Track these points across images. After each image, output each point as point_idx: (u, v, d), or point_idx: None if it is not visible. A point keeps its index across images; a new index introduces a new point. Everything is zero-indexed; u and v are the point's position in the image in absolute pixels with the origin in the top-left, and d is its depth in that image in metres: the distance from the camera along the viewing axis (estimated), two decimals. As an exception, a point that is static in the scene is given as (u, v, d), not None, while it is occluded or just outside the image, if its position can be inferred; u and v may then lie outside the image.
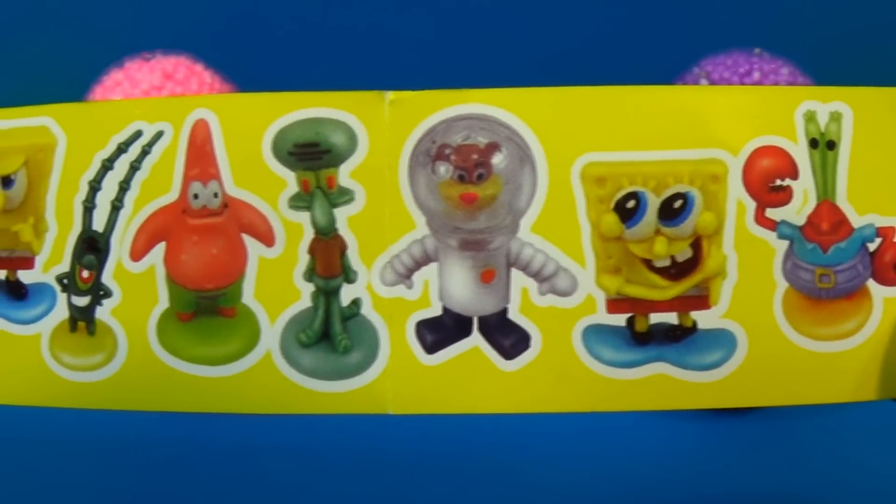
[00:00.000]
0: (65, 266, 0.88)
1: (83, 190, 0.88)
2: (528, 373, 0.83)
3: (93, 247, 0.88)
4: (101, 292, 0.88)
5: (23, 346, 0.90)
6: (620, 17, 0.95)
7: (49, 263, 0.89)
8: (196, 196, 0.86)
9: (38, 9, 1.09)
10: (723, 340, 0.82)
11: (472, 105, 0.82)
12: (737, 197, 0.81)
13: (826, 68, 0.79)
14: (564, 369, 0.83)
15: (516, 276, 0.83)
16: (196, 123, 0.86)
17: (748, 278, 0.82)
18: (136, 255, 0.87)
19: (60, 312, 0.89)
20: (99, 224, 0.87)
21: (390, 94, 0.83)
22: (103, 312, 0.88)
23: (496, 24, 1.00)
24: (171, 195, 0.86)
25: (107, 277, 0.88)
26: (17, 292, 0.90)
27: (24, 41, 1.08)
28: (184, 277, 0.87)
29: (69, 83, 0.90)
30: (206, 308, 0.87)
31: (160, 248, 0.87)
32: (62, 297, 0.89)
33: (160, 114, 0.86)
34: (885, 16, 0.89)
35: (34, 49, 1.08)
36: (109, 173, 0.87)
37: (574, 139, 0.82)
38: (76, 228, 0.88)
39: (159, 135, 0.86)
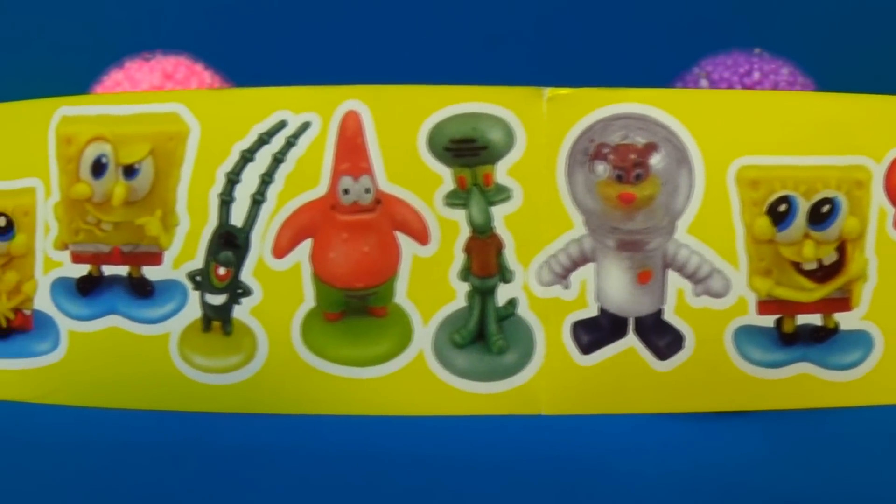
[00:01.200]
0: (198, 262, 0.67)
1: (220, 182, 0.67)
2: (681, 373, 0.67)
3: (230, 242, 0.67)
4: (240, 290, 0.67)
5: (148, 348, 0.68)
6: (621, 17, 0.81)
7: (180, 259, 0.68)
8: (346, 191, 0.66)
9: (39, 9, 0.90)
10: (862, 341, 0.67)
11: (630, 104, 0.66)
12: (878, 203, 0.67)
13: (826, 68, 0.66)
14: (715, 369, 0.67)
15: (672, 277, 0.66)
16: (346, 115, 0.66)
17: (887, 282, 0.67)
18: (280, 251, 0.67)
19: (192, 311, 0.68)
20: (237, 218, 0.67)
21: (548, 91, 0.66)
22: (242, 311, 0.67)
23: (496, 25, 0.84)
24: (319, 190, 0.66)
25: (246, 275, 0.67)
26: (143, 290, 0.68)
27: (25, 41, 0.89)
28: (332, 276, 0.67)
29: (69, 83, 0.71)
30: (356, 307, 0.67)
31: (306, 244, 0.67)
32: (194, 296, 0.68)
33: (307, 103, 0.66)
34: (886, 16, 0.77)
35: (34, 49, 0.89)
36: (250, 165, 0.66)
37: (730, 142, 0.66)
38: (211, 223, 0.67)
39: (306, 125, 0.66)
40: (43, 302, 0.70)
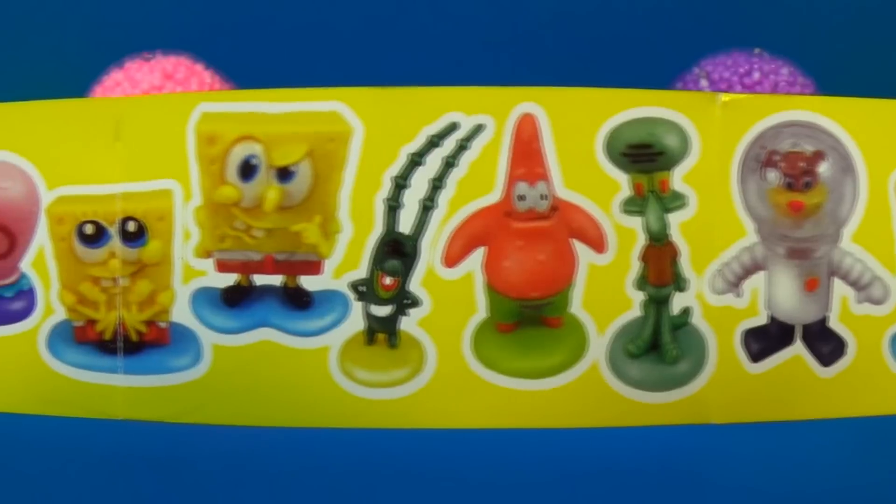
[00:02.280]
0: (362, 272, 0.51)
1: (386, 186, 0.51)
2: (843, 379, 0.54)
3: (398, 250, 0.51)
4: (408, 301, 0.51)
5: (305, 362, 0.52)
6: (621, 17, 0.68)
7: (342, 269, 0.51)
8: (522, 197, 0.51)
9: (39, 9, 0.72)
10: None
11: (798, 112, 0.52)
12: None
13: (826, 68, 0.55)
14: (874, 375, 0.54)
15: (837, 284, 0.53)
16: (522, 118, 0.51)
17: None
18: (451, 260, 0.51)
19: (354, 323, 0.52)
20: (406, 225, 0.51)
21: (722, 97, 0.52)
22: (409, 323, 0.52)
23: (495, 25, 0.70)
24: (494, 196, 0.51)
25: (414, 285, 0.51)
26: (299, 301, 0.52)
27: (25, 41, 0.71)
28: (506, 285, 0.51)
29: (69, 83, 0.57)
30: (530, 318, 0.52)
31: (479, 253, 0.51)
32: (357, 307, 0.52)
33: (480, 105, 0.51)
34: (885, 16, 0.67)
35: (34, 49, 0.72)
36: (419, 169, 0.51)
37: (891, 151, 0.53)
38: (377, 230, 0.51)
39: (479, 128, 0.51)
40: (182, 314, 0.53)
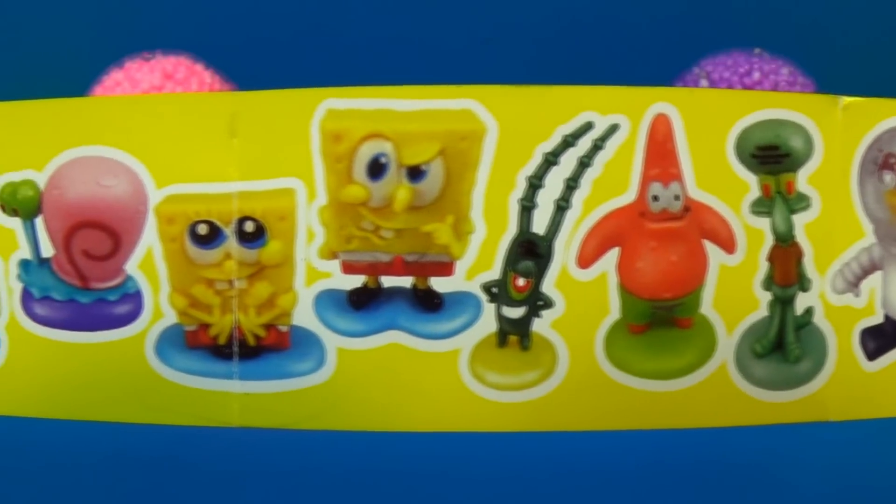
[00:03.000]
0: (495, 273, 0.50)
1: (520, 186, 0.49)
2: None
3: (531, 251, 0.50)
4: (541, 302, 0.50)
5: (435, 365, 0.50)
6: (621, 17, 0.67)
7: (474, 270, 0.50)
8: (656, 198, 0.50)
9: (39, 9, 0.69)
10: None
11: None
12: None
13: (826, 68, 0.54)
14: None
15: None
16: (656, 118, 0.49)
17: None
18: (585, 261, 0.50)
19: (486, 325, 0.49)
20: (540, 226, 0.50)
21: (844, 99, 0.52)
22: (542, 325, 0.50)
23: (494, 25, 0.68)
24: (628, 196, 0.49)
25: (548, 286, 0.50)
26: (430, 303, 0.50)
27: (25, 41, 0.68)
28: (639, 286, 0.50)
29: (69, 83, 0.54)
30: (662, 319, 0.50)
31: (613, 254, 0.50)
32: (489, 309, 0.50)
33: (615, 105, 0.49)
34: (885, 16, 0.67)
35: (34, 49, 0.68)
36: (553, 169, 0.49)
37: None
38: (510, 230, 0.50)
39: (614, 128, 0.49)
40: (304, 317, 0.50)
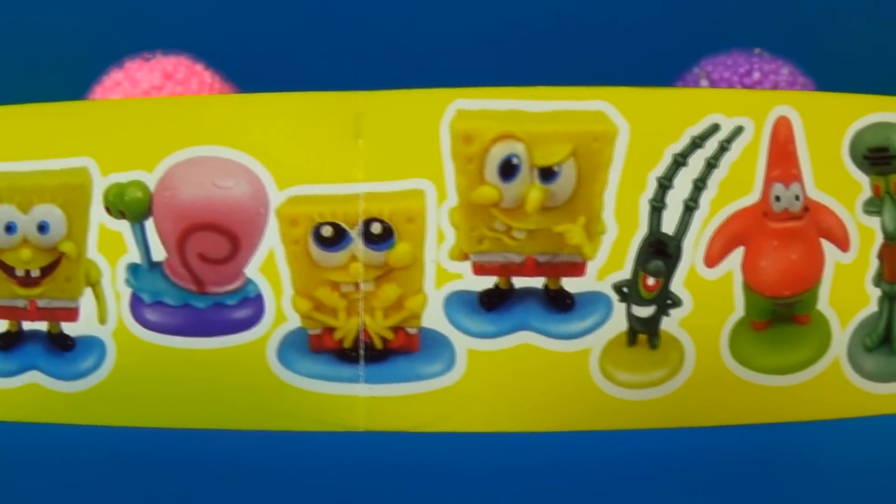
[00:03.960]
0: (625, 273, 0.50)
1: (651, 187, 0.50)
2: None
3: (661, 251, 0.50)
4: (669, 301, 0.50)
5: (565, 365, 0.49)
6: (621, 17, 0.67)
7: (605, 270, 0.49)
8: (778, 198, 0.50)
9: (39, 9, 0.68)
10: None
11: None
12: None
13: (826, 68, 0.55)
14: None
15: None
16: (778, 121, 0.50)
17: None
18: (712, 260, 0.50)
19: (617, 325, 0.49)
20: (669, 226, 0.50)
21: None
22: (670, 323, 0.50)
23: (493, 25, 0.68)
24: (752, 197, 0.50)
25: (676, 285, 0.50)
26: (562, 303, 0.49)
27: (25, 41, 0.67)
28: (761, 284, 0.50)
29: (69, 83, 0.54)
30: (782, 315, 0.51)
31: (738, 253, 0.51)
32: (619, 308, 0.50)
33: (740, 107, 0.49)
34: (885, 16, 0.69)
35: (34, 49, 0.67)
36: (682, 170, 0.50)
37: None
38: (641, 230, 0.50)
39: (739, 130, 0.49)
40: (434, 319, 0.50)
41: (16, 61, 0.66)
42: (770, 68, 0.53)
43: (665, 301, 0.45)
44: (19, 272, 0.48)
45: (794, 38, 0.58)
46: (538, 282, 0.45)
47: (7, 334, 0.48)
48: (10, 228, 0.48)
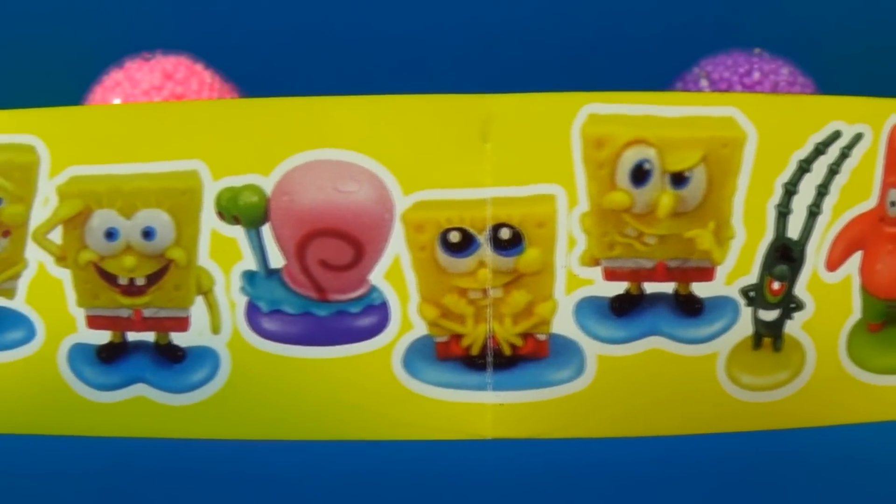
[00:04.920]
0: (752, 277, 0.49)
1: (777, 193, 0.50)
2: None
3: (786, 256, 0.50)
4: (793, 305, 0.50)
5: (693, 369, 0.49)
6: (621, 17, 0.67)
7: (733, 275, 0.49)
8: (893, 203, 0.50)
9: (39, 9, 0.66)
10: None
11: None
12: None
13: (826, 68, 0.56)
14: None
15: None
16: (894, 128, 0.51)
17: None
18: (833, 264, 0.50)
19: (743, 328, 0.49)
20: (793, 231, 0.50)
21: None
22: (793, 326, 0.50)
23: (493, 25, 0.67)
24: (870, 202, 0.50)
25: (800, 289, 0.50)
26: (691, 308, 0.49)
27: (25, 41, 0.66)
28: (877, 287, 0.50)
29: (69, 83, 0.53)
30: (894, 317, 0.52)
31: (856, 257, 0.51)
32: (746, 312, 0.50)
33: (860, 115, 0.49)
34: (885, 16, 0.70)
35: (34, 49, 0.66)
36: (806, 176, 0.50)
37: None
38: (768, 236, 0.50)
39: (858, 137, 0.50)
40: (564, 325, 0.49)
41: (16, 61, 0.65)
42: (770, 68, 0.53)
43: (789, 305, 0.45)
44: (122, 280, 0.46)
45: (794, 38, 0.58)
46: (668, 287, 0.45)
47: (110, 346, 0.46)
48: (111, 234, 0.45)
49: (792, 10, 0.66)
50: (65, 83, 0.53)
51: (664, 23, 0.66)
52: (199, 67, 0.52)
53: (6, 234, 0.45)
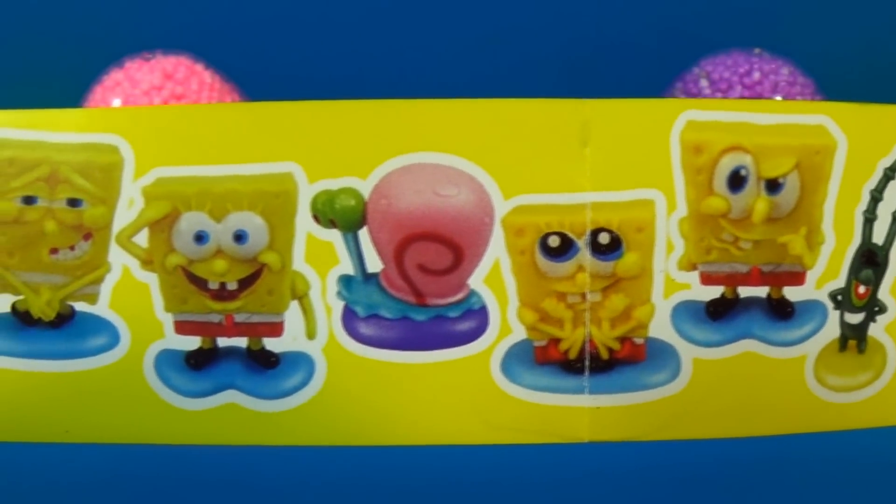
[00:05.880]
0: (840, 282, 0.50)
1: (864, 199, 0.50)
2: None
3: (871, 261, 0.50)
4: (877, 308, 0.51)
5: (783, 371, 0.49)
6: (621, 18, 0.69)
7: (823, 279, 0.50)
8: None
9: (39, 9, 0.65)
10: None
11: None
12: None
13: (826, 68, 0.56)
14: None
15: None
16: None
17: None
18: None
19: (831, 331, 0.50)
20: (878, 236, 0.51)
21: None
22: (876, 329, 0.51)
23: (492, 25, 0.66)
24: None
25: (883, 292, 0.51)
26: (782, 311, 0.49)
27: (25, 41, 0.64)
28: None
29: (69, 83, 0.52)
30: None
31: None
32: (833, 315, 0.50)
33: None
34: (886, 16, 0.72)
35: (34, 49, 0.64)
36: (891, 183, 0.51)
37: None
38: (855, 241, 0.50)
39: None
40: (661, 328, 0.49)
41: (16, 61, 0.64)
42: (770, 68, 0.53)
43: (873, 308, 0.46)
44: (213, 285, 0.44)
45: (794, 38, 0.58)
46: (762, 291, 0.45)
47: (200, 352, 0.45)
48: (201, 238, 0.44)
49: (792, 10, 0.66)
50: (65, 83, 0.52)
51: (664, 23, 0.66)
52: (199, 67, 0.51)
53: (87, 236, 0.43)
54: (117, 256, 0.43)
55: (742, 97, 0.51)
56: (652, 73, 0.55)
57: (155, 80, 0.50)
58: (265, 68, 0.60)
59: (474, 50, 0.65)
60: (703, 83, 0.53)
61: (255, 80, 0.53)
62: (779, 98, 0.51)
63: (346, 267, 0.43)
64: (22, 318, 0.43)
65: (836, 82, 0.54)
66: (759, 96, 0.51)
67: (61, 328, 0.43)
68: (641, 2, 0.67)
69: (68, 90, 0.52)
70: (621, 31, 0.66)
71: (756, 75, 0.53)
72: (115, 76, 0.50)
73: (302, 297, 0.43)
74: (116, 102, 0.49)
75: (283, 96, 0.47)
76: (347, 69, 0.65)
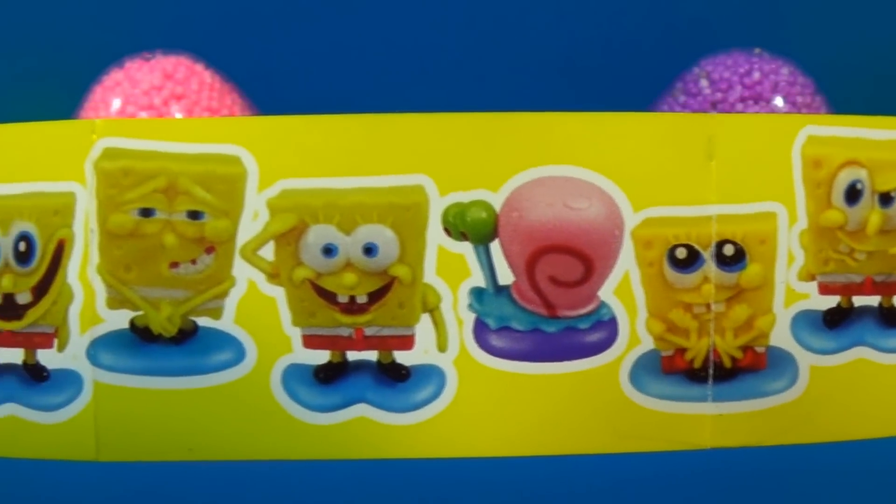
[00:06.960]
0: None
1: None
2: None
3: None
4: None
5: (894, 376, 0.51)
6: (621, 18, 0.70)
7: None
8: None
9: (39, 9, 0.64)
10: None
11: None
12: None
13: (826, 68, 0.56)
14: None
15: None
16: None
17: None
18: None
19: None
20: None
21: None
22: None
23: (492, 25, 0.68)
24: None
25: None
26: (893, 319, 0.51)
27: (25, 41, 0.64)
28: None
29: (69, 83, 0.52)
30: None
31: None
32: None
33: None
34: (886, 16, 0.74)
35: (35, 49, 0.64)
36: None
37: None
38: None
39: None
40: (781, 337, 0.49)
41: (16, 61, 0.63)
42: (770, 68, 0.54)
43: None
44: (342, 298, 0.44)
45: (794, 38, 0.59)
46: (874, 300, 0.46)
47: (329, 366, 0.44)
48: (330, 251, 0.44)
49: (792, 10, 0.67)
50: (65, 83, 0.52)
51: (664, 23, 0.66)
52: (199, 67, 0.50)
53: (209, 250, 0.42)
54: (242, 270, 0.42)
55: (741, 97, 0.51)
56: (652, 73, 0.55)
57: (155, 80, 0.49)
58: (265, 68, 0.60)
59: (474, 50, 0.66)
60: (703, 83, 0.53)
61: (256, 80, 0.53)
62: (778, 98, 0.51)
63: (478, 279, 0.42)
64: (141, 335, 0.42)
65: (836, 82, 0.54)
66: (759, 96, 0.51)
67: (183, 344, 0.42)
68: (641, 2, 0.67)
69: (68, 90, 0.51)
70: (621, 32, 0.66)
71: (756, 75, 0.53)
72: (115, 76, 0.50)
73: (433, 310, 0.42)
74: (116, 102, 0.48)
75: (282, 96, 0.46)
76: (347, 69, 0.65)
